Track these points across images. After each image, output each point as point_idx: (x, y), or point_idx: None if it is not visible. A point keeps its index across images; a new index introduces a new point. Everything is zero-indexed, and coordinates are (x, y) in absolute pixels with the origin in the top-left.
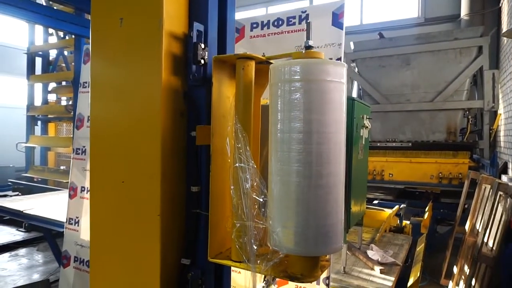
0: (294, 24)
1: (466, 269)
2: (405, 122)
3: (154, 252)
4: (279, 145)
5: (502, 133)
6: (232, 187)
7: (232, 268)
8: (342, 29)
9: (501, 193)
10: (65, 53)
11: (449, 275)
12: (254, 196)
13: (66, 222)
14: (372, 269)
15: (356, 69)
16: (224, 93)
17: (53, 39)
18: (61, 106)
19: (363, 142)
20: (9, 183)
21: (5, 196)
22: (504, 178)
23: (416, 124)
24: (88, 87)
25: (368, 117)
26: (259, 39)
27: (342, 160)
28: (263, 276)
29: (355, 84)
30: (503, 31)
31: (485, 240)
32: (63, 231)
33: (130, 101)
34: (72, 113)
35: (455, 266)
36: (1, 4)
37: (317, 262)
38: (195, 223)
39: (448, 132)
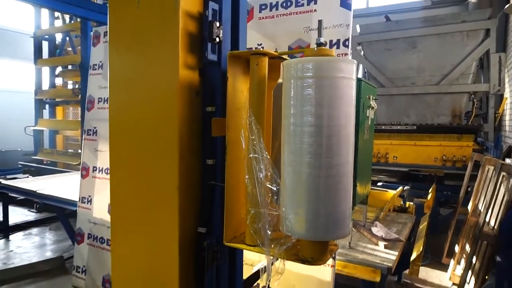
0: (302, 5)
1: (468, 248)
2: (410, 105)
3: (173, 223)
4: (292, 138)
5: (507, 117)
6: (247, 177)
7: None
8: (350, 10)
9: (504, 173)
10: (71, 37)
11: (451, 254)
12: (267, 185)
13: (79, 201)
14: (377, 244)
15: (362, 52)
16: (238, 87)
17: (59, 23)
18: (69, 90)
19: (369, 123)
20: (20, 166)
21: (15, 178)
22: (508, 162)
23: (421, 107)
24: (98, 69)
25: (374, 97)
26: (268, 21)
27: (351, 151)
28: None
29: (360, 67)
30: (505, 7)
31: (487, 219)
32: (74, 211)
33: (148, 81)
34: (79, 97)
35: (456, 245)
36: None
37: (326, 246)
38: (210, 194)
39: (453, 115)
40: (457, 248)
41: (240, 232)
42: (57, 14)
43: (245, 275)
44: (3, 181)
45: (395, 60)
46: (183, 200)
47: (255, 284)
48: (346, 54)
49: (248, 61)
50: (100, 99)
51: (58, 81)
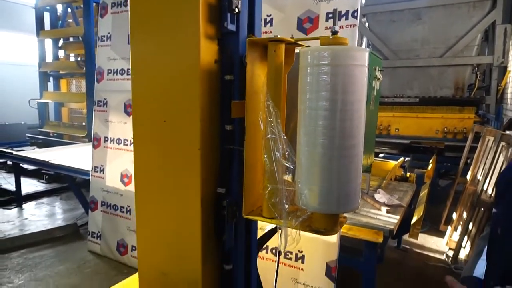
0: None
1: (465, 215)
2: (414, 78)
3: (195, 182)
4: (307, 121)
5: (509, 90)
6: (265, 156)
7: None
8: None
9: (504, 143)
10: (73, 8)
11: (448, 222)
12: (284, 163)
13: (91, 170)
14: (379, 209)
15: (367, 24)
16: (256, 72)
17: None
18: (73, 62)
19: (375, 94)
20: (27, 138)
21: (21, 151)
22: (508, 133)
23: (424, 80)
24: (106, 40)
25: (380, 69)
26: None
27: (362, 134)
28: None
29: (365, 39)
30: None
31: (485, 188)
32: (84, 180)
33: (170, 48)
34: (84, 69)
35: (454, 213)
36: None
37: (337, 219)
38: (228, 157)
39: (455, 88)
40: (454, 216)
41: (257, 206)
42: None
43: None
44: (15, 152)
45: (399, 32)
46: (204, 161)
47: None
48: (354, 25)
49: (265, 47)
50: (109, 71)
51: (60, 53)
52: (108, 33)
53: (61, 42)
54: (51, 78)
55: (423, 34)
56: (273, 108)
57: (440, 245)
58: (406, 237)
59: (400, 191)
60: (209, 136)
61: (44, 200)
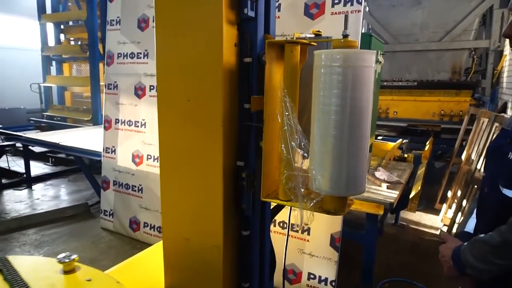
0: None
1: (459, 193)
2: (413, 62)
3: (217, 156)
4: (321, 115)
5: (505, 74)
6: (282, 145)
7: None
8: None
9: (497, 124)
10: None
11: (444, 200)
12: (299, 152)
13: (103, 151)
14: (380, 186)
15: (367, 8)
16: (274, 69)
17: None
18: (76, 46)
19: (376, 77)
20: (32, 121)
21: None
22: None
23: (423, 64)
24: (116, 24)
25: (382, 53)
26: None
27: (369, 126)
28: None
29: (365, 23)
30: None
31: (478, 167)
32: (91, 162)
33: (194, 32)
34: (88, 53)
35: (449, 192)
36: None
37: (346, 201)
38: (247, 133)
39: (453, 72)
40: (449, 194)
41: (272, 190)
42: None
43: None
44: (25, 135)
45: (399, 17)
46: (226, 136)
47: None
48: (359, 11)
49: (281, 47)
50: (119, 54)
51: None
52: (118, 17)
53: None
54: (54, 62)
55: (423, 18)
56: (290, 103)
57: (435, 221)
58: (403, 214)
59: (399, 170)
60: (229, 114)
61: (52, 182)
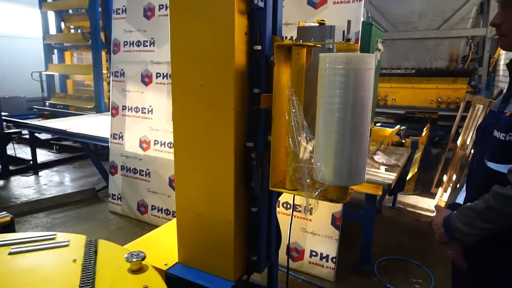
0: None
1: (454, 177)
2: (411, 50)
3: (229, 137)
4: (325, 112)
5: (502, 62)
6: (289, 140)
7: None
8: None
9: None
10: None
11: (439, 184)
12: (305, 145)
13: (110, 137)
14: (378, 168)
15: None
16: (282, 70)
17: None
18: (78, 34)
19: (376, 63)
20: (35, 109)
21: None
22: None
23: (421, 52)
24: (122, 13)
25: (381, 41)
26: None
27: (369, 123)
28: None
29: (364, 11)
30: None
31: (473, 151)
32: (96, 149)
33: (207, 21)
34: (90, 41)
35: (445, 176)
36: None
37: (347, 190)
38: (256, 116)
39: (450, 60)
40: (445, 178)
41: (280, 180)
42: None
43: None
44: (31, 122)
45: (398, 5)
46: (237, 119)
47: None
48: (360, 0)
49: (288, 49)
50: (125, 43)
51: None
52: (123, 6)
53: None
54: (55, 51)
55: (421, 6)
56: (296, 101)
57: (431, 205)
58: (400, 198)
59: (396, 154)
60: (240, 98)
61: (58, 168)
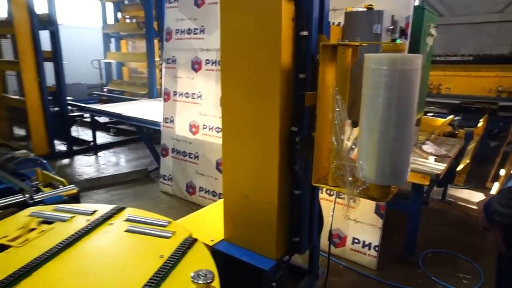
0: None
1: None
2: (469, 35)
3: (275, 121)
4: (369, 111)
5: None
6: (333, 138)
7: None
8: None
9: None
10: None
11: (496, 179)
12: (348, 144)
13: (162, 121)
14: (427, 158)
15: None
16: (327, 69)
17: None
18: (134, 23)
19: (428, 49)
20: (95, 95)
21: None
22: None
23: (480, 37)
24: (174, 2)
25: (434, 25)
26: None
27: (413, 122)
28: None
29: None
30: None
31: None
32: (149, 133)
33: (255, 8)
34: (144, 30)
35: (502, 169)
36: None
37: (389, 189)
38: (301, 102)
39: None
40: (502, 173)
41: (322, 176)
42: None
43: None
44: (93, 106)
45: None
46: (282, 103)
47: None
48: None
49: (333, 48)
50: (177, 31)
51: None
52: None
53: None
54: (113, 40)
55: None
56: (341, 100)
57: None
58: (451, 191)
59: (447, 145)
60: (286, 83)
61: (115, 149)
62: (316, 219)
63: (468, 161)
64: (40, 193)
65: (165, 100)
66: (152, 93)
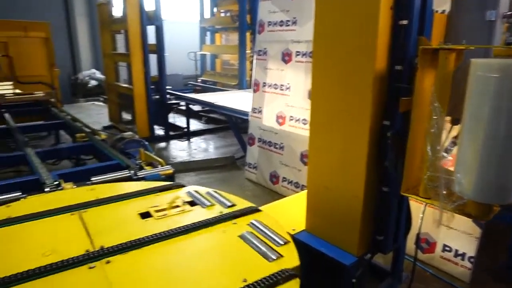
0: None
1: None
2: None
3: (366, 115)
4: (473, 122)
5: None
6: (428, 147)
7: None
8: None
9: None
10: None
11: None
12: (444, 155)
13: (250, 111)
14: None
15: None
16: (425, 74)
17: None
18: (228, 17)
19: None
20: (190, 85)
21: None
22: None
23: None
24: None
25: None
26: None
27: None
28: None
29: None
30: None
31: None
32: (235, 121)
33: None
34: (237, 23)
35: None
36: None
37: (491, 208)
38: (395, 95)
39: None
40: None
41: (413, 185)
42: None
43: None
44: (187, 95)
45: None
46: (375, 96)
47: None
48: None
49: (434, 52)
50: (269, 23)
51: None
52: None
53: None
54: (208, 33)
55: None
56: (439, 108)
57: None
58: None
59: None
60: (380, 74)
61: (205, 136)
62: (403, 220)
63: None
64: (143, 170)
65: (254, 91)
66: (242, 84)
